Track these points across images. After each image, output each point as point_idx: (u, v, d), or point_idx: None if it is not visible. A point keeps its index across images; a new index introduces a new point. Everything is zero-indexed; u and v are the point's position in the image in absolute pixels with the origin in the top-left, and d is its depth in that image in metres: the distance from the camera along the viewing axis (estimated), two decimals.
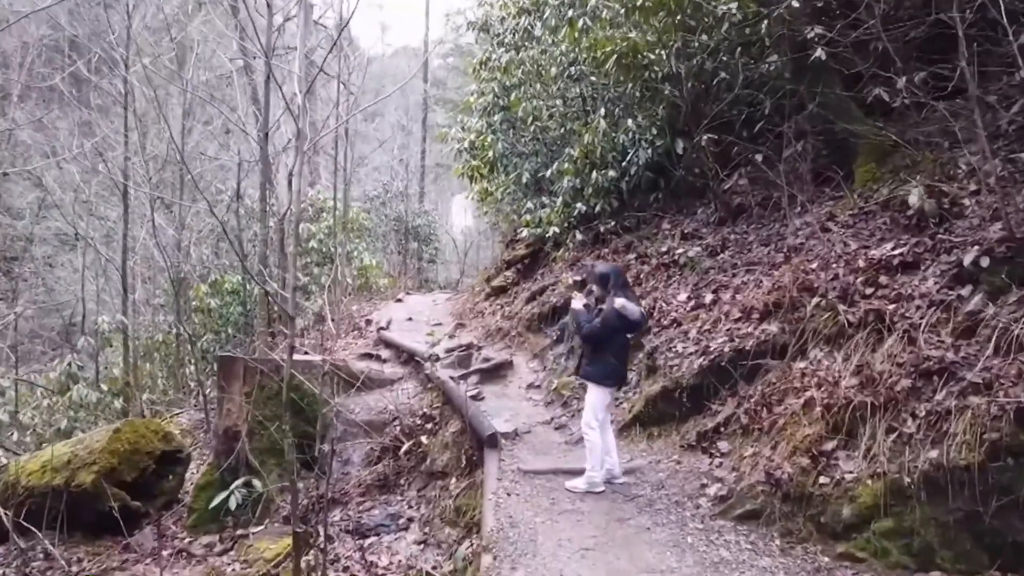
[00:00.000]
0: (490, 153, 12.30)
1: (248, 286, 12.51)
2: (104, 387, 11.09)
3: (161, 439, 7.43)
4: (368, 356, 9.49)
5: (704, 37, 8.15)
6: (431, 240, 25.03)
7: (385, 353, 9.64)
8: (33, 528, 6.36)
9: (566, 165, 9.94)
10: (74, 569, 6.33)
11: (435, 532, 5.65)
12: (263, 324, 11.33)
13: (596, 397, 5.05)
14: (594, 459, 5.06)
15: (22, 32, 23.73)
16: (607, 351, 5.00)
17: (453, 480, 6.12)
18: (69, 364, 10.16)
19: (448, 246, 27.56)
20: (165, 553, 6.40)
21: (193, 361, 12.29)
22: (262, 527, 6.30)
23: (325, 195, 17.22)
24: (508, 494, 5.09)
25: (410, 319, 12.21)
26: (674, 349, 6.24)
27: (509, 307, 10.20)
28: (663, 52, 8.53)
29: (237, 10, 16.10)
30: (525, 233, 10.79)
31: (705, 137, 7.76)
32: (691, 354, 6.07)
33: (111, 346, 12.29)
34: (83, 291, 13.25)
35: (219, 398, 7.65)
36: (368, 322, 12.38)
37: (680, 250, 7.56)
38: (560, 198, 10.18)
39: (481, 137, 12.68)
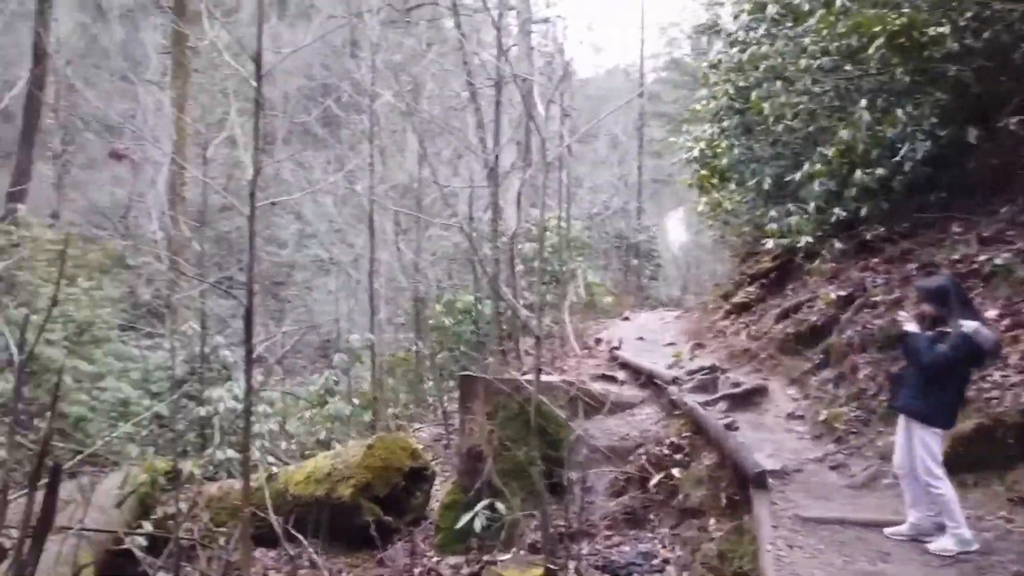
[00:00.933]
0: (724, 160, 11.50)
1: (479, 305, 12.80)
2: (355, 401, 11.85)
3: (409, 456, 7.60)
4: (603, 377, 9.12)
5: (1000, 4, 6.84)
6: (652, 256, 24.40)
7: (620, 374, 9.22)
8: (300, 536, 6.73)
9: (818, 167, 8.89)
10: None
11: None
12: (495, 342, 11.47)
13: (929, 439, 4.20)
14: (953, 512, 4.23)
15: (284, 83, 26.94)
16: (948, 384, 4.13)
17: (712, 520, 5.49)
18: (327, 379, 10.96)
19: (668, 262, 26.77)
20: (416, 572, 6.45)
21: (432, 377, 12.76)
22: (509, 555, 6.11)
23: (548, 215, 17.33)
24: (790, 546, 4.37)
25: (641, 338, 11.72)
26: (990, 378, 5.10)
27: (755, 326, 9.30)
28: (946, 28, 7.29)
29: (464, 43, 16.88)
30: (770, 244, 9.82)
31: (1014, 120, 6.42)
32: (1014, 385, 4.92)
33: (361, 362, 13.14)
34: (337, 311, 14.38)
35: (461, 418, 7.69)
36: (597, 341, 12.08)
37: (981, 257, 6.29)
38: (811, 204, 9.13)
39: (714, 144, 11.92)
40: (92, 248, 13.78)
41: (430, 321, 13.65)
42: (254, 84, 5.18)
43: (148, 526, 6.68)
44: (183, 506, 6.77)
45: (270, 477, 7.58)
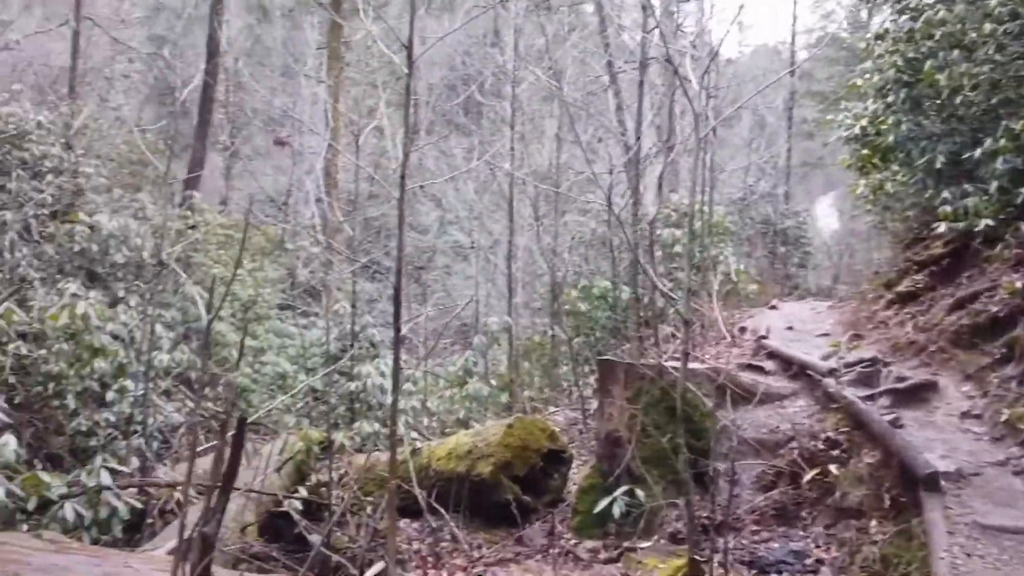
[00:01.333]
0: (889, 138, 10.61)
1: (616, 291, 12.64)
2: (493, 382, 12.08)
3: (548, 437, 7.63)
4: (750, 367, 8.71)
5: None
6: (801, 243, 23.09)
7: (768, 364, 8.76)
8: (442, 510, 6.93)
9: (1002, 142, 8.01)
10: (474, 554, 6.74)
11: None
12: (633, 328, 11.29)
13: None
14: None
15: (428, 74, 27.82)
16: None
17: (873, 522, 5.09)
18: (466, 360, 11.24)
19: (818, 250, 25.23)
20: (554, 552, 6.46)
21: (569, 362, 12.77)
22: (650, 543, 5.98)
23: (689, 199, 16.80)
24: (967, 555, 3.96)
25: (790, 328, 11.09)
26: None
27: (923, 316, 8.52)
28: None
29: (606, 23, 16.65)
30: (941, 228, 8.95)
31: None
32: None
33: (498, 344, 13.37)
34: (476, 294, 14.71)
35: (600, 402, 7.61)
36: (742, 330, 11.57)
37: None
38: (993, 183, 8.24)
39: (877, 121, 11.02)
40: (255, 232, 14.90)
41: (566, 306, 13.65)
42: (405, 71, 5.32)
43: (303, 491, 7.14)
44: (335, 475, 7.17)
45: (414, 451, 7.86)
